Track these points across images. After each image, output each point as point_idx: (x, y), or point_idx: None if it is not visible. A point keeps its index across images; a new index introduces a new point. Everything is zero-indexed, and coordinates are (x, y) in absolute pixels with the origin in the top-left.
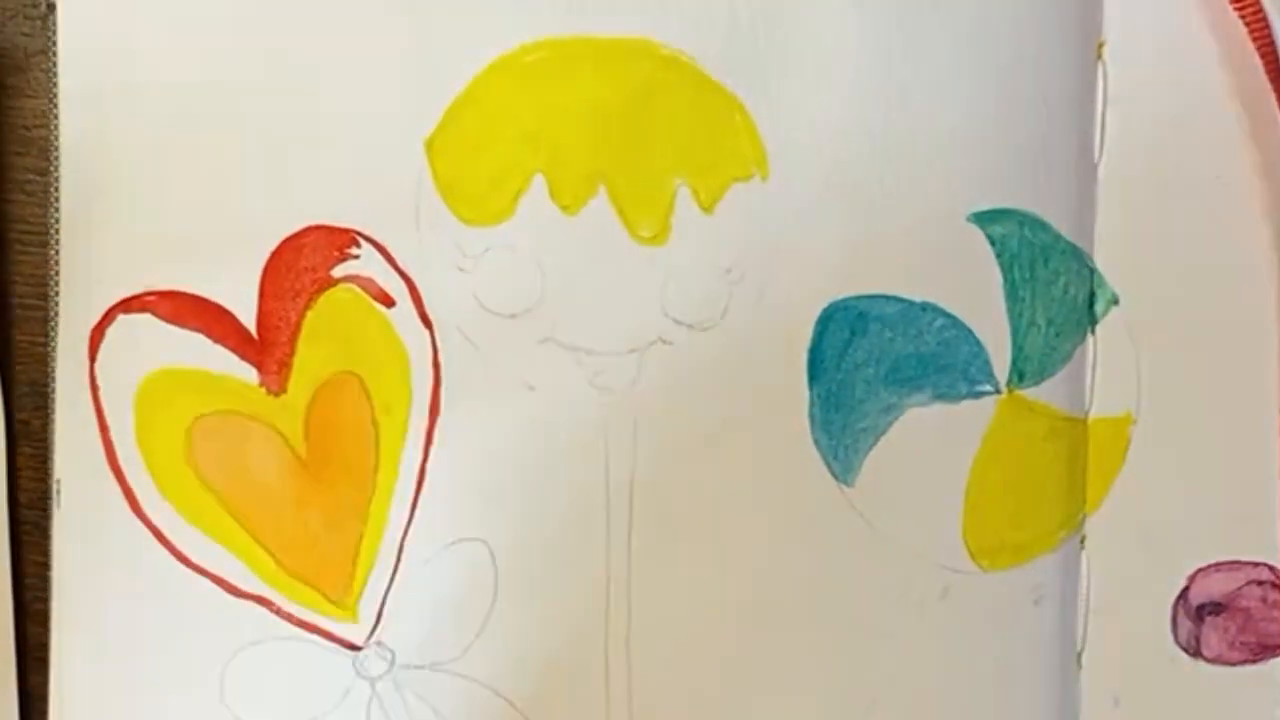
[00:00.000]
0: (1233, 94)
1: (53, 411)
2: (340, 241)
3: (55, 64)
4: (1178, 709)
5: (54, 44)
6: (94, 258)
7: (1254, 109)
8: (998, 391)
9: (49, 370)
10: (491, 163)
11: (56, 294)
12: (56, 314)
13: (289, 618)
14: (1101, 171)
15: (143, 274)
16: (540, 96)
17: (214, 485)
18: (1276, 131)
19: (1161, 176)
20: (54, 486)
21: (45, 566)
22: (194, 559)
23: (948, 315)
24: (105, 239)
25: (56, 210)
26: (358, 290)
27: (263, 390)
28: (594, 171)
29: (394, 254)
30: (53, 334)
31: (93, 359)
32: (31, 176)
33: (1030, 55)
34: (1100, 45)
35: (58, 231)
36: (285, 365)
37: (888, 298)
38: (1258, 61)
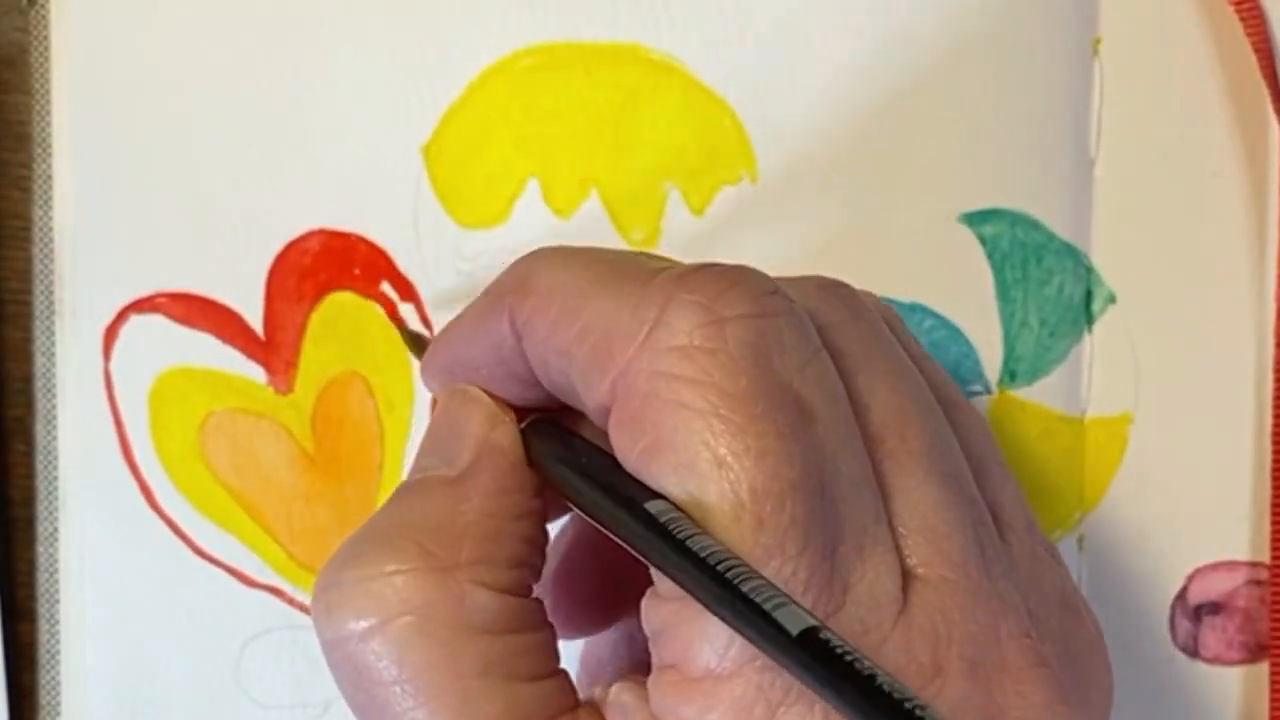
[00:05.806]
0: (1229, 91)
1: (37, 406)
2: (343, 246)
3: (48, 60)
4: (1175, 709)
5: (47, 39)
6: (104, 258)
7: (1250, 106)
8: (988, 391)
9: (37, 366)
10: (486, 168)
11: (48, 291)
12: (50, 310)
13: (301, 607)
14: (1098, 169)
15: (153, 275)
16: (533, 102)
17: (226, 480)
18: (1272, 128)
19: (1158, 174)
20: (67, 483)
21: (39, 564)
22: (209, 551)
23: (937, 316)
24: (115, 240)
25: (48, 207)
26: (360, 292)
27: (271, 390)
28: (586, 175)
29: (394, 257)
30: (42, 329)
31: (107, 357)
32: (24, 172)
33: (1025, 52)
34: (1097, 41)
35: (48, 229)
36: (292, 365)
37: None
38: (1254, 59)
